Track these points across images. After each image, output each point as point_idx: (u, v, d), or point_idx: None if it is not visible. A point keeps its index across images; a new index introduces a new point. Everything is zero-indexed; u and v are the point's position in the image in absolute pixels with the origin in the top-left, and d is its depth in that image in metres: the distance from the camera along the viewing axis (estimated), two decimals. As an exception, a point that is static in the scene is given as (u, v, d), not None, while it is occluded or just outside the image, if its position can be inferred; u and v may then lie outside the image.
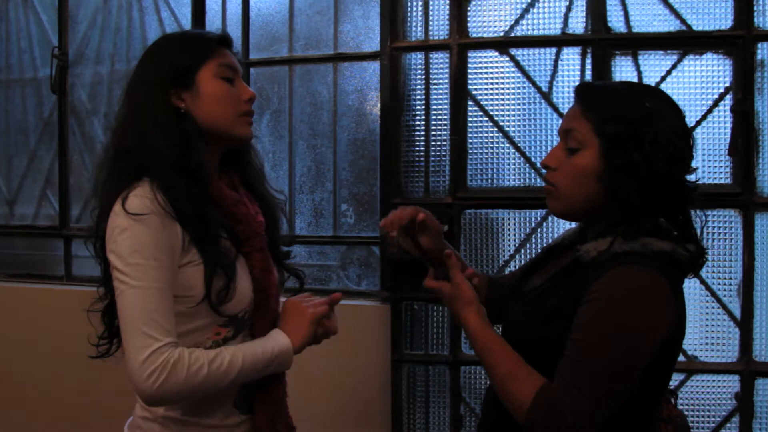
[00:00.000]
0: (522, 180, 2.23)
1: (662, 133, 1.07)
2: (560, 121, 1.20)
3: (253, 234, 1.22)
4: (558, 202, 1.16)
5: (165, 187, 1.12)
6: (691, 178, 1.13)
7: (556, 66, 2.19)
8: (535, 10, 2.20)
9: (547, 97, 2.20)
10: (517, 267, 2.22)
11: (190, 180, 1.14)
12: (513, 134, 2.23)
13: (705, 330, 2.11)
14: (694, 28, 2.10)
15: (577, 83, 2.15)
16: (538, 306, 1.15)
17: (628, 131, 1.07)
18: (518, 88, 2.23)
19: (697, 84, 2.09)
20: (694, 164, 1.13)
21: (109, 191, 1.15)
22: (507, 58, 2.22)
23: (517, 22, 2.22)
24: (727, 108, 2.07)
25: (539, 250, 2.18)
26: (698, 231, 1.13)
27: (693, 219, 1.13)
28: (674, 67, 2.10)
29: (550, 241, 2.16)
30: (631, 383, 1.03)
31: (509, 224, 2.25)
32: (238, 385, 1.19)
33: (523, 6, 2.21)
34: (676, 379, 2.11)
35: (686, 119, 1.13)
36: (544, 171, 1.20)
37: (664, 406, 1.21)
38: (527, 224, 2.23)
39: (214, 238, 1.15)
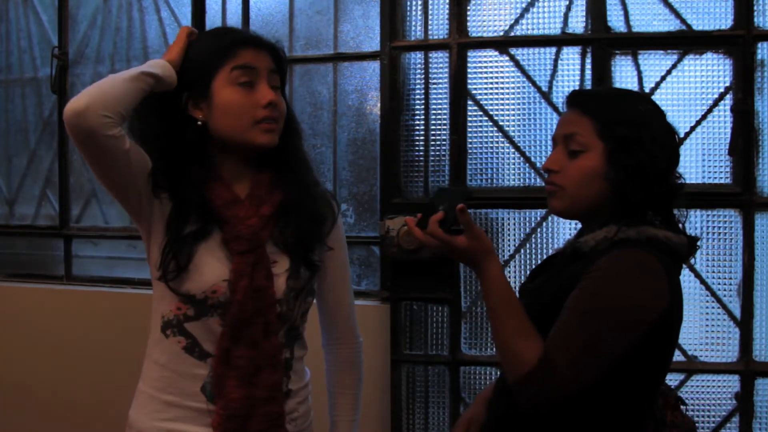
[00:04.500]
0: (522, 180, 2.23)
1: (659, 133, 1.17)
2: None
3: (236, 237, 1.21)
4: (562, 201, 1.21)
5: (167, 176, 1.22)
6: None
7: (555, 65, 2.19)
8: (534, 10, 2.20)
9: (546, 96, 2.20)
10: (517, 267, 2.23)
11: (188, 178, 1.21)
12: (513, 134, 2.23)
13: (705, 330, 2.11)
14: (694, 27, 2.10)
15: (577, 83, 2.16)
16: (539, 295, 1.20)
17: (632, 133, 1.15)
18: (518, 87, 2.23)
19: (697, 84, 2.09)
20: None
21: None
22: (507, 58, 2.22)
23: (516, 21, 2.21)
24: (727, 108, 2.06)
25: (538, 251, 2.20)
26: (681, 224, 1.21)
27: (676, 215, 1.22)
28: (674, 66, 2.10)
29: (550, 241, 2.21)
30: (615, 354, 1.08)
31: (509, 224, 2.25)
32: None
33: (523, 5, 2.21)
34: (676, 379, 2.11)
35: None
36: (545, 174, 1.25)
37: (669, 413, 1.22)
38: (527, 224, 2.23)
39: (181, 220, 1.20)
